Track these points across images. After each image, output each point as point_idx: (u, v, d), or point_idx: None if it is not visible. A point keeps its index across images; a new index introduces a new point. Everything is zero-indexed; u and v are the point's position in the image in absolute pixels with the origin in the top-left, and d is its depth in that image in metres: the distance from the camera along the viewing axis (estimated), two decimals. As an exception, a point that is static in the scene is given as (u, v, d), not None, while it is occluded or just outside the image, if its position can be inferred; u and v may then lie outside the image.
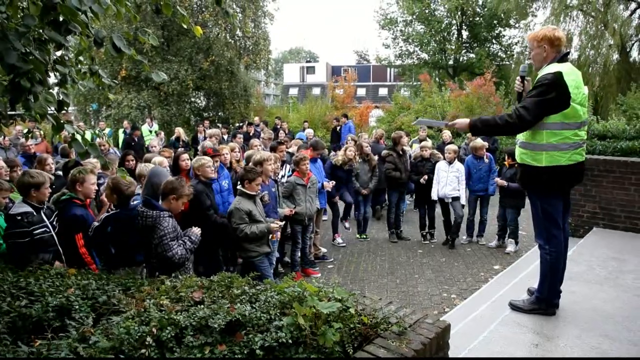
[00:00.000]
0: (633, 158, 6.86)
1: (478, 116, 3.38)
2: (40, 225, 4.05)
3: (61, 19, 2.52)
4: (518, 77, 3.78)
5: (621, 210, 6.18)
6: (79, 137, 2.70)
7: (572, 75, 3.39)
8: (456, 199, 7.83)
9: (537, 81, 3.41)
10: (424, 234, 8.40)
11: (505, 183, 7.38)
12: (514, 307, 3.90)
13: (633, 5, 22.38)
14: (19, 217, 3.98)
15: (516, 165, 3.83)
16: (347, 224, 8.42)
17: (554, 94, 3.31)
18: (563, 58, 3.48)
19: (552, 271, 3.68)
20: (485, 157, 8.03)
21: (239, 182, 5.43)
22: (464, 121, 3.68)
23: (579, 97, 3.38)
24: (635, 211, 6.09)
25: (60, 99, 2.78)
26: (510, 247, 7.61)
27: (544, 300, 3.79)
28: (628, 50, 23.04)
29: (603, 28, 21.11)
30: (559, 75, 3.31)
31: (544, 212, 3.61)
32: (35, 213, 4.03)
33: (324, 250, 7.67)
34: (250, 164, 5.93)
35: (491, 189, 7.90)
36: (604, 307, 3.95)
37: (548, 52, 3.47)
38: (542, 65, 3.52)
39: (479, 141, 8.17)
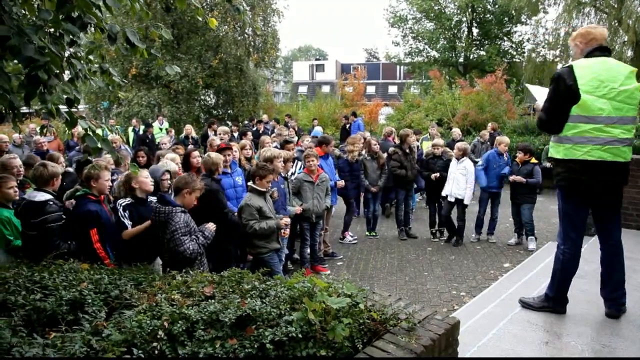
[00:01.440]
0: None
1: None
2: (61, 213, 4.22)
3: (76, 14, 2.56)
4: None
5: (634, 208, 6.13)
6: (91, 132, 2.73)
7: (592, 68, 3.34)
8: (460, 201, 7.75)
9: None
10: (434, 231, 8.39)
11: (523, 180, 7.36)
12: (524, 304, 3.90)
13: (647, 1, 22.08)
14: (52, 203, 4.12)
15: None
16: (349, 236, 8.33)
17: (558, 89, 3.35)
18: (591, 53, 3.44)
19: (563, 271, 3.66)
20: (505, 155, 7.99)
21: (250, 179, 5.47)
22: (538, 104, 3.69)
23: (602, 90, 3.27)
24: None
25: (72, 95, 2.81)
26: (532, 245, 7.57)
27: (552, 299, 3.77)
28: (643, 46, 22.73)
29: (617, 24, 20.83)
30: (562, 70, 3.37)
31: (563, 211, 3.61)
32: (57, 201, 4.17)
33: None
34: (260, 160, 5.98)
35: (494, 182, 7.87)
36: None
37: (582, 49, 3.48)
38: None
39: (504, 137, 8.19)
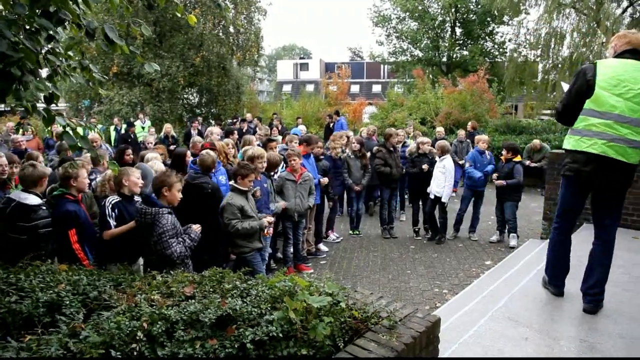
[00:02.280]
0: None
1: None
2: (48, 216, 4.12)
3: (52, 9, 2.51)
4: None
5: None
6: (70, 130, 2.68)
7: (615, 67, 3.42)
8: (438, 198, 7.84)
9: None
10: (417, 229, 8.44)
11: (503, 183, 7.48)
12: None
13: (625, 4, 22.48)
14: (44, 207, 4.05)
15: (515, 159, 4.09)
16: (332, 235, 8.33)
17: (576, 82, 3.50)
18: (621, 54, 3.52)
19: (550, 248, 3.95)
20: (487, 153, 8.09)
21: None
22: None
23: (619, 89, 3.33)
24: (626, 206, 6.13)
25: (51, 92, 2.75)
26: (513, 242, 7.68)
27: (547, 280, 4.10)
28: (620, 48, 23.12)
29: (595, 26, 21.18)
30: (587, 66, 3.50)
31: (562, 197, 3.84)
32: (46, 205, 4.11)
33: (324, 249, 7.67)
34: (245, 159, 5.96)
35: (479, 176, 7.95)
36: (593, 301, 3.98)
37: (615, 50, 3.57)
38: None
39: (483, 135, 8.29)
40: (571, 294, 4.12)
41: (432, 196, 7.89)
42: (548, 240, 4.05)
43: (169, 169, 4.48)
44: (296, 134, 10.01)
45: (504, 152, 7.76)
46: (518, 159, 7.65)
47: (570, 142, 3.57)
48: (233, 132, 10.19)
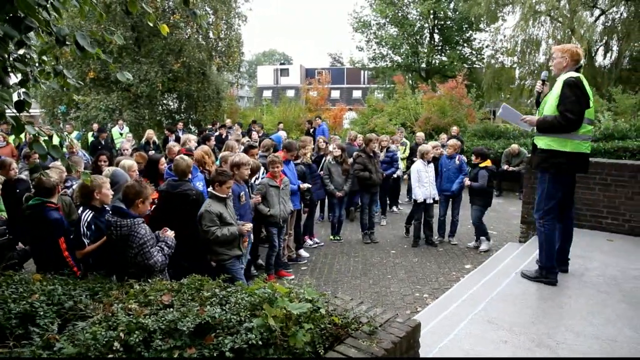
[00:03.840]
0: (597, 159, 7.07)
1: (544, 116, 4.31)
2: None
3: (22, 15, 2.44)
4: (539, 80, 4.63)
5: (587, 209, 6.36)
6: (41, 138, 2.61)
7: (586, 82, 4.23)
8: (436, 201, 8.07)
9: (565, 83, 4.14)
10: (408, 227, 8.57)
11: (468, 183, 7.64)
12: (524, 275, 4.63)
13: (597, 12, 23.11)
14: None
15: (535, 152, 4.54)
16: (310, 241, 8.28)
17: (581, 93, 4.12)
18: (578, 69, 4.31)
19: (547, 241, 4.41)
20: (457, 158, 8.18)
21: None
22: (532, 118, 4.49)
23: (592, 100, 4.24)
24: (600, 210, 6.28)
25: (22, 98, 2.68)
26: (483, 246, 7.77)
27: (544, 269, 4.47)
28: (593, 54, 23.74)
29: (570, 33, 21.70)
30: (576, 79, 4.14)
31: (548, 191, 4.37)
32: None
33: (304, 255, 7.65)
34: (228, 166, 5.91)
35: (454, 186, 8.05)
36: (570, 302, 4.06)
37: (568, 62, 4.29)
38: (560, 72, 4.34)
39: (425, 146, 8.35)
40: (550, 297, 4.18)
41: (430, 201, 8.03)
42: (541, 236, 4.45)
43: (140, 180, 4.33)
44: (277, 141, 10.00)
45: (473, 157, 7.89)
46: (486, 164, 7.69)
47: (567, 145, 4.20)
48: (210, 138, 10.14)
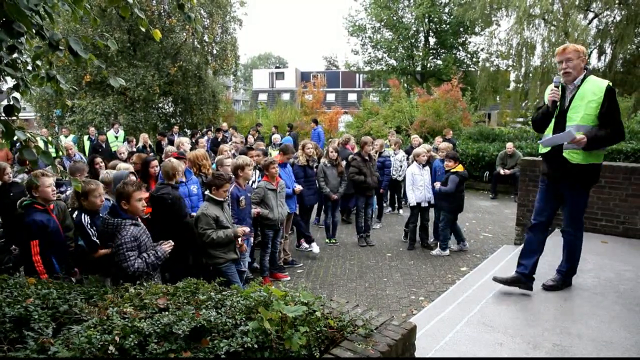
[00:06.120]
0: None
1: (594, 133, 3.80)
2: None
3: (11, 20, 2.43)
4: (553, 87, 4.06)
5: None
6: (32, 144, 2.59)
7: None
8: (432, 205, 8.00)
9: (608, 90, 3.78)
10: (407, 230, 8.54)
11: (437, 184, 7.59)
12: (547, 287, 4.38)
13: (591, 15, 23.27)
14: None
15: (561, 165, 4.07)
16: (305, 244, 8.23)
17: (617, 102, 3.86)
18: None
19: (579, 251, 4.35)
20: (431, 165, 8.18)
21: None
22: (582, 137, 3.78)
23: None
24: (595, 212, 6.30)
25: (11, 103, 2.66)
26: (434, 251, 7.80)
27: (570, 275, 4.46)
28: (587, 57, 23.85)
29: (564, 36, 21.85)
30: (611, 86, 3.83)
31: (584, 205, 4.23)
32: None
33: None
34: (230, 168, 5.94)
35: (430, 193, 8.03)
36: (565, 304, 4.07)
37: (582, 66, 3.95)
38: (578, 75, 3.93)
39: (418, 149, 8.29)
40: (545, 299, 4.19)
41: (424, 204, 8.01)
42: (574, 246, 4.33)
43: (132, 180, 4.33)
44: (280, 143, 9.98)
45: (445, 162, 7.73)
46: (458, 169, 7.54)
47: (601, 157, 3.99)
48: (199, 141, 10.18)
